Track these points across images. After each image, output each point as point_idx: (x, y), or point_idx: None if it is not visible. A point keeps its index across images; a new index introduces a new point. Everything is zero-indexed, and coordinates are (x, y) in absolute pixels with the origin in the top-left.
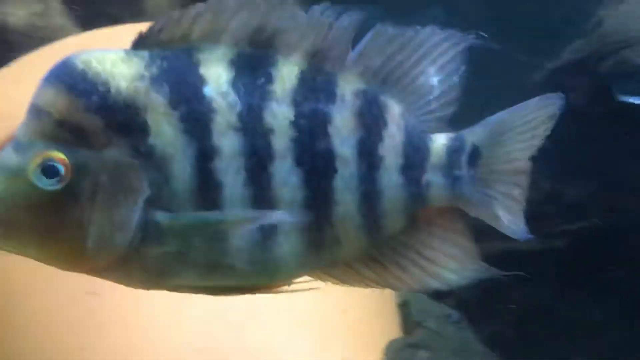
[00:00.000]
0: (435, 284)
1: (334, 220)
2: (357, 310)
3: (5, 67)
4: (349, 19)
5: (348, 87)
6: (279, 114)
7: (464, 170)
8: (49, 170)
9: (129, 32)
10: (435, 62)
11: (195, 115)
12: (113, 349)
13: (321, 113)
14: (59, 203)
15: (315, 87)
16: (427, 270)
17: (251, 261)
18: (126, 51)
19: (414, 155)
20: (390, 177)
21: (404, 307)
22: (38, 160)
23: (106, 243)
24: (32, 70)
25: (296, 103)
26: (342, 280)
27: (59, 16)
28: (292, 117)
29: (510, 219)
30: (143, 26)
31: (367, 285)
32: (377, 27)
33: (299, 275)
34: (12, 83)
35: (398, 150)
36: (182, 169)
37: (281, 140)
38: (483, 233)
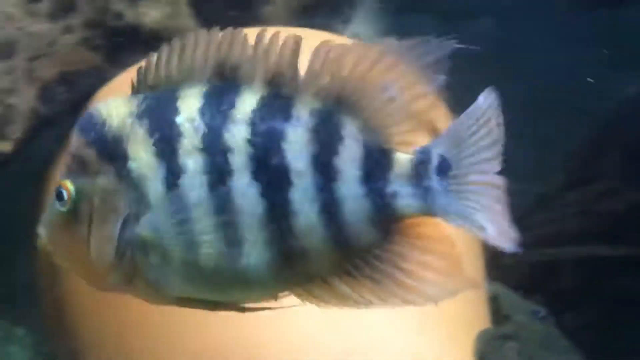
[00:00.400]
0: (413, 299)
1: (296, 232)
2: (451, 301)
3: (137, 64)
4: (292, 44)
5: (303, 107)
6: (238, 135)
7: (434, 181)
8: (58, 195)
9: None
10: (396, 75)
11: (166, 140)
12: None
13: (276, 132)
14: (68, 222)
15: (273, 109)
16: (404, 285)
17: (221, 271)
18: (128, 96)
19: (375, 167)
20: (350, 189)
21: (494, 301)
22: (55, 187)
23: (101, 256)
24: None
25: (254, 124)
26: (321, 298)
27: (186, 18)
28: (249, 137)
29: (498, 230)
30: (255, 30)
31: (344, 304)
32: (318, 46)
33: (279, 291)
34: None
35: (356, 163)
36: (155, 186)
37: (239, 158)
38: None
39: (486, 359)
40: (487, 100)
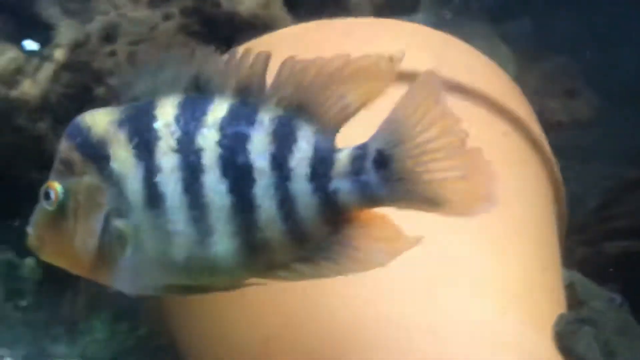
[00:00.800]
0: (364, 267)
1: (259, 225)
2: (529, 286)
3: (231, 51)
4: (260, 59)
5: (266, 114)
6: (208, 138)
7: (371, 175)
8: (46, 195)
9: (328, 27)
10: (347, 84)
11: (144, 143)
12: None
13: (242, 135)
14: (56, 219)
15: (239, 116)
16: (355, 258)
17: (192, 259)
18: (112, 108)
19: (320, 166)
20: (301, 186)
21: (570, 288)
22: (43, 188)
23: (85, 248)
24: None
25: (222, 128)
26: (284, 278)
27: (278, 8)
28: (218, 139)
29: (455, 204)
30: (339, 22)
31: (304, 279)
32: (285, 60)
33: (246, 277)
34: None
35: (306, 163)
36: (134, 183)
37: (210, 157)
38: None
39: (564, 342)
40: (424, 84)
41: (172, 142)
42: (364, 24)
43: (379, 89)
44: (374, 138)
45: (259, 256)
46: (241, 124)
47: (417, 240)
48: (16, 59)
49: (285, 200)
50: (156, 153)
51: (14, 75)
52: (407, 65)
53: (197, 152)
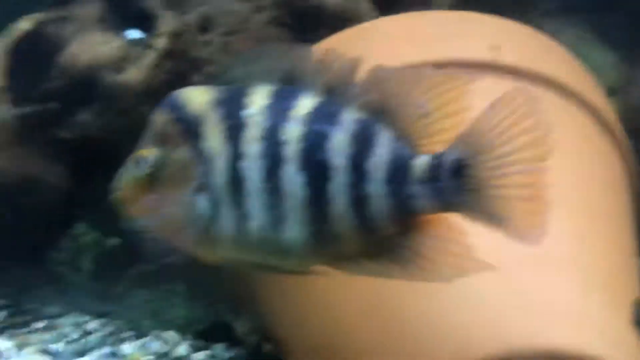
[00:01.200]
0: (430, 277)
1: (330, 218)
2: (610, 269)
3: (318, 43)
4: (351, 62)
5: (350, 115)
6: (293, 130)
7: (447, 182)
8: (140, 161)
9: (412, 19)
10: (427, 94)
11: (234, 127)
12: None
13: (323, 133)
14: (145, 184)
15: (324, 114)
16: (422, 266)
17: (264, 240)
18: (208, 87)
19: (398, 171)
20: (376, 188)
21: None
22: (137, 154)
23: (171, 217)
24: (340, 47)
25: (306, 124)
26: (349, 269)
27: (364, 1)
28: (301, 133)
29: (517, 227)
30: (423, 15)
31: (369, 275)
32: (374, 67)
33: (312, 264)
34: None
35: (384, 167)
36: (220, 164)
37: (292, 150)
38: None
39: None
40: (513, 98)
41: (259, 131)
42: (447, 17)
43: (458, 100)
44: (454, 146)
45: (326, 246)
46: (325, 122)
47: (487, 266)
48: (122, 47)
49: (358, 199)
50: (243, 138)
51: (121, 62)
52: (493, 57)
53: (281, 144)
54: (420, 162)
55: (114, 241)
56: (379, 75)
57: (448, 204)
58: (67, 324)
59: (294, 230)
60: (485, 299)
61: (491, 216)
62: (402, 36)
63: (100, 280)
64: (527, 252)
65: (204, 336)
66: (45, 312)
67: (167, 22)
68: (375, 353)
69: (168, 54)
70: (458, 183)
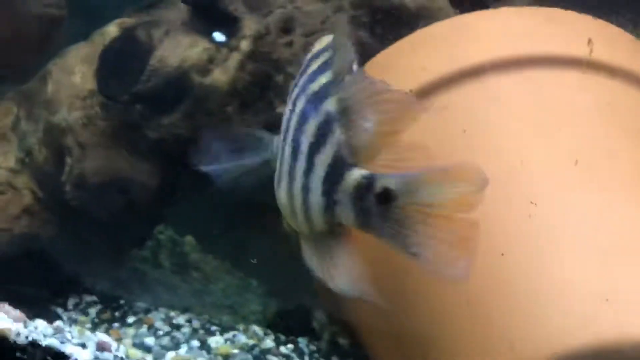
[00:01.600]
0: (332, 284)
1: (296, 193)
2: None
3: (399, 41)
4: (353, 54)
5: (327, 105)
6: (298, 104)
7: (371, 205)
8: None
9: (490, 17)
10: (376, 112)
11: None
12: None
13: (306, 114)
14: None
15: (320, 95)
16: (329, 269)
17: (280, 202)
18: None
19: (333, 176)
20: (315, 182)
21: None
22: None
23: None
24: (420, 44)
25: (306, 100)
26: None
27: (442, 0)
28: (300, 108)
29: (434, 261)
30: (503, 11)
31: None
32: (359, 69)
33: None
34: (403, 56)
35: (325, 166)
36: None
37: (294, 121)
38: None
39: None
40: (464, 175)
41: (292, 125)
42: (528, 14)
43: (402, 123)
44: (391, 175)
45: (302, 217)
46: (312, 104)
47: (369, 294)
48: (208, 50)
49: (305, 187)
50: (289, 128)
51: (207, 65)
52: (587, 54)
53: (294, 113)
54: (353, 177)
55: (189, 239)
56: (356, 78)
57: (367, 226)
58: (157, 318)
59: (283, 195)
60: (574, 291)
61: (407, 249)
62: (494, 31)
63: (178, 276)
64: (614, 241)
65: (286, 330)
66: (134, 307)
67: (250, 24)
68: (471, 344)
69: (251, 56)
70: (381, 210)
